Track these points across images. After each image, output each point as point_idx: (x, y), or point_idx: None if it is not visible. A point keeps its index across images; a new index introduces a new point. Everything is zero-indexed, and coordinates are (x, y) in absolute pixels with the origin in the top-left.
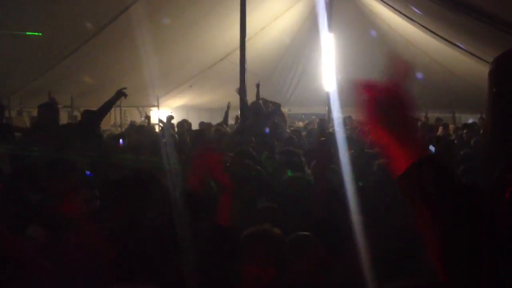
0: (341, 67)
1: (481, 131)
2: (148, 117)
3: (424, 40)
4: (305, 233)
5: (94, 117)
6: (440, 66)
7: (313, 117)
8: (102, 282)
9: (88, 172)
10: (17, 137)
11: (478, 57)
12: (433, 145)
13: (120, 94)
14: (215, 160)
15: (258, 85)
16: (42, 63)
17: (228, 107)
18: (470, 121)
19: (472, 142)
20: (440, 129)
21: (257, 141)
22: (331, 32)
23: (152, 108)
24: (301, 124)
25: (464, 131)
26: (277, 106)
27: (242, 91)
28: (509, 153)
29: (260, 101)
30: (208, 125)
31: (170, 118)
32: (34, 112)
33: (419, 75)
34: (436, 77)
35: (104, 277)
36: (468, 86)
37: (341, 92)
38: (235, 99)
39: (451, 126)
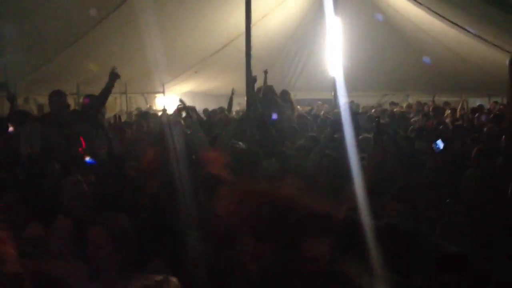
0: (347, 52)
1: (491, 116)
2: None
3: (432, 23)
4: None
5: (95, 103)
6: (448, 50)
7: (319, 102)
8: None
9: (89, 160)
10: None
11: (486, 41)
12: (442, 140)
13: (114, 75)
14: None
15: (266, 72)
16: (48, 50)
17: (233, 93)
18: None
19: (485, 130)
20: (448, 112)
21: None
22: (337, 15)
23: (157, 95)
24: (306, 108)
25: (476, 115)
26: (285, 92)
27: (249, 77)
28: None
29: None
30: (213, 112)
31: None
32: (41, 99)
33: (426, 59)
34: (444, 61)
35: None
36: (476, 70)
37: (347, 77)
38: (241, 86)
39: (459, 109)
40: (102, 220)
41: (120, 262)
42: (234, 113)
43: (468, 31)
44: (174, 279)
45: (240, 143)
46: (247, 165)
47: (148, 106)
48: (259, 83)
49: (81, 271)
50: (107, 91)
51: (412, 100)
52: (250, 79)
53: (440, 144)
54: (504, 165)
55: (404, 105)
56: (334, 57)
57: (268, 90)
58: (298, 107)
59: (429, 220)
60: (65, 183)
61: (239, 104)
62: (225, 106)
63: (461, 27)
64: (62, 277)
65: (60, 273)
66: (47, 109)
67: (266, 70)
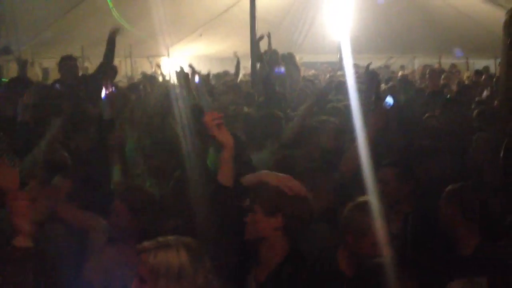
0: (355, 13)
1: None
2: (158, 66)
3: None
4: None
5: (104, 67)
6: (455, 10)
7: (325, 65)
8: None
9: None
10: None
11: (493, 1)
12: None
13: (113, 32)
14: (211, 119)
15: (269, 36)
16: (50, 14)
17: (238, 57)
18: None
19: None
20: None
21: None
22: None
23: (162, 58)
24: (313, 72)
25: (483, 77)
26: (290, 55)
27: (253, 39)
28: None
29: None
30: (217, 75)
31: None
32: (46, 63)
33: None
34: (450, 22)
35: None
36: (483, 31)
37: (354, 39)
38: (246, 48)
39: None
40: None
41: (138, 232)
42: (241, 76)
43: None
44: (188, 239)
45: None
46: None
47: (153, 70)
48: (263, 47)
49: (101, 226)
50: (108, 52)
51: (418, 62)
52: (257, 38)
53: (390, 100)
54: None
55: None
56: (341, 19)
57: (273, 53)
58: (311, 71)
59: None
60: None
61: (245, 67)
62: (230, 69)
63: None
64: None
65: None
66: (52, 73)
67: (269, 33)
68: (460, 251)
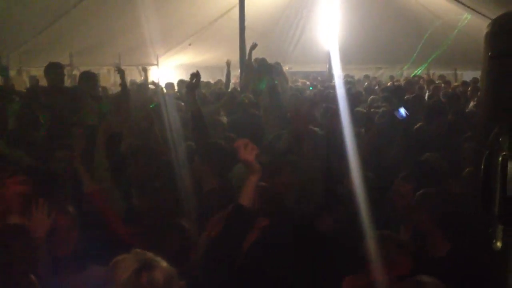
0: (344, 24)
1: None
2: (145, 70)
3: None
4: None
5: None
6: (443, 22)
7: (318, 78)
8: None
9: None
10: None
11: (480, 13)
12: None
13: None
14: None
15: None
16: (40, 21)
17: (228, 65)
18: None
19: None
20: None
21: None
22: None
23: (151, 67)
24: (305, 82)
25: (469, 89)
26: (277, 64)
27: (242, 48)
28: (502, 118)
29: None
30: (207, 83)
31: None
32: (33, 71)
33: None
34: (439, 34)
35: None
36: (471, 43)
37: (343, 50)
38: (235, 57)
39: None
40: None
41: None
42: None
43: (463, 4)
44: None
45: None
46: None
47: (142, 78)
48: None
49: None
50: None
51: (406, 73)
52: (251, 47)
53: (402, 111)
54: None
55: (401, 79)
56: (330, 29)
57: (262, 61)
58: (302, 80)
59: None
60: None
61: (234, 76)
62: (220, 77)
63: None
64: None
65: None
66: (40, 81)
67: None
68: (432, 253)
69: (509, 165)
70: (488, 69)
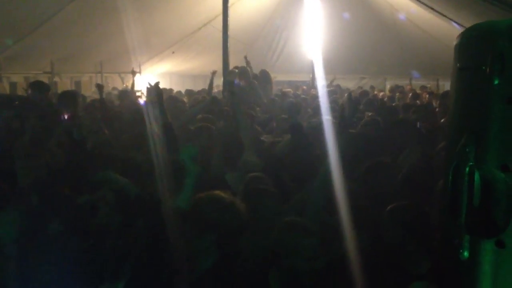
0: (327, 34)
1: None
2: (134, 73)
3: (409, 7)
4: None
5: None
6: (425, 33)
7: (304, 87)
8: None
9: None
10: None
11: (461, 25)
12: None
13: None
14: None
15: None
16: (21, 28)
17: (213, 75)
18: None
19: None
20: (427, 97)
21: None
22: None
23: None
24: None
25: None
26: (264, 72)
27: (225, 58)
28: (468, 129)
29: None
30: (190, 91)
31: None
32: (14, 78)
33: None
34: (419, 44)
35: None
36: (452, 53)
37: (326, 59)
38: (219, 66)
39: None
40: None
41: None
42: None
43: (444, 15)
44: None
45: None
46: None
47: (124, 85)
48: (234, 64)
49: None
50: None
51: (389, 84)
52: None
53: None
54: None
55: (387, 89)
56: (312, 39)
57: (243, 68)
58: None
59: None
60: None
61: (217, 86)
62: (203, 86)
63: (437, 11)
64: None
65: None
66: (19, 88)
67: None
68: (412, 270)
69: (475, 176)
70: (456, 80)
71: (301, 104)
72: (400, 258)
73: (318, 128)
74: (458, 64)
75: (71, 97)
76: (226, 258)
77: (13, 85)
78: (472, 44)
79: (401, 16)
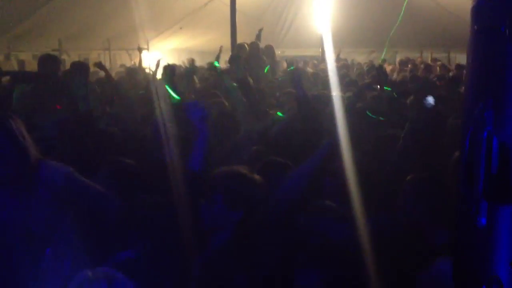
0: (336, 6)
1: None
2: (140, 50)
3: None
4: None
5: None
6: (436, 4)
7: (314, 61)
8: None
9: None
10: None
11: None
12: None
13: None
14: None
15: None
16: (28, 6)
17: (220, 51)
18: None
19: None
20: (438, 69)
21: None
22: None
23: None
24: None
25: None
26: (269, 47)
27: (233, 32)
28: (487, 93)
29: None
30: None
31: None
32: (22, 56)
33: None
34: (431, 16)
35: None
36: (465, 25)
37: (335, 33)
38: (226, 41)
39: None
40: None
41: None
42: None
43: None
44: None
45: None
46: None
47: (132, 62)
48: (242, 39)
49: None
50: None
51: (399, 56)
52: (258, 32)
53: (430, 100)
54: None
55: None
56: (322, 13)
57: (253, 45)
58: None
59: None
60: None
61: (226, 61)
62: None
63: None
64: None
65: None
66: (28, 66)
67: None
68: (432, 242)
69: (493, 142)
70: (473, 43)
71: (306, 74)
72: (420, 230)
73: (325, 102)
74: (475, 26)
75: (80, 67)
76: (243, 236)
77: (21, 62)
78: (491, 4)
79: None
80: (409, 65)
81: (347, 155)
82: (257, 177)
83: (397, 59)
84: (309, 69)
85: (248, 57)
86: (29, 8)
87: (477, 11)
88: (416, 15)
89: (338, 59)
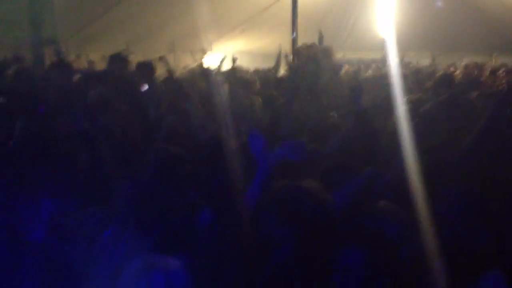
0: (400, 9)
1: None
2: (203, 51)
3: None
4: None
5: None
6: (504, 7)
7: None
8: None
9: None
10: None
11: None
12: None
13: None
14: None
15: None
16: (97, 8)
17: (280, 51)
18: None
19: None
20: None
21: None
22: None
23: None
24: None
25: None
26: (327, 48)
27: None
28: None
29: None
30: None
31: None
32: (91, 57)
33: None
34: (500, 17)
35: None
36: None
37: (399, 36)
38: (287, 45)
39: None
40: None
41: None
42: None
43: None
44: None
45: None
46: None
47: (195, 64)
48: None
49: None
50: None
51: (466, 61)
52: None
53: None
54: None
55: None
56: (385, 15)
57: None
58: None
59: None
60: None
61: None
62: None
63: None
64: None
65: None
66: (98, 65)
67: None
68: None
69: None
70: None
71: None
72: (471, 245)
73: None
74: None
75: (148, 68)
76: (302, 254)
77: (90, 63)
78: None
79: None
80: (475, 71)
81: (409, 158)
82: (329, 197)
83: (463, 63)
84: (370, 72)
85: (308, 60)
86: (97, 10)
87: None
88: (485, 17)
89: (402, 62)
